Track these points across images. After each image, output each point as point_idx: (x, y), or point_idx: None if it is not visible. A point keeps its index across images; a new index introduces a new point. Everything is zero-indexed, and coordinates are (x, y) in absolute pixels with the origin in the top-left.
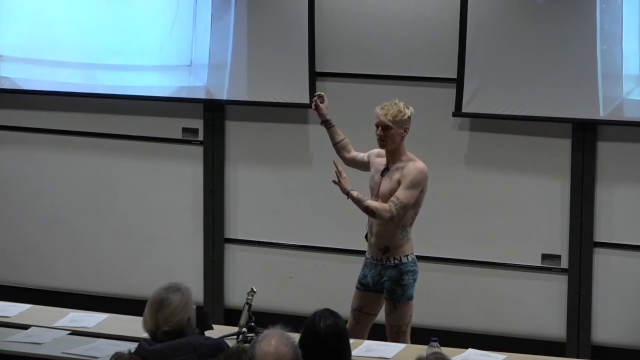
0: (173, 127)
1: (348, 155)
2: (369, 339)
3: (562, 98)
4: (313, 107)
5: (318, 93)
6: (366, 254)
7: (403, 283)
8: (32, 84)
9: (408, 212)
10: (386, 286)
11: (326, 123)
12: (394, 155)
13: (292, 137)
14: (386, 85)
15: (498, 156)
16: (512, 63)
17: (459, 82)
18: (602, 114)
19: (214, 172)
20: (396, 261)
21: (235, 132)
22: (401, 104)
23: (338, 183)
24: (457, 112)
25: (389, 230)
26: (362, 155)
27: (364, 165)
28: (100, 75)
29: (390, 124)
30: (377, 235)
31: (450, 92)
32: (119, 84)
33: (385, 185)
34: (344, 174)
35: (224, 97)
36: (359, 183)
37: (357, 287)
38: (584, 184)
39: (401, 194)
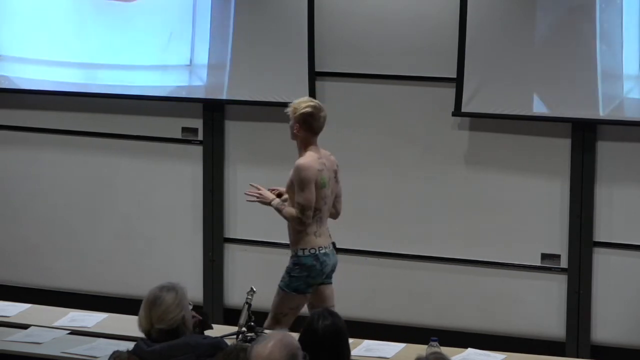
0: (173, 126)
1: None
2: (369, 338)
3: (562, 98)
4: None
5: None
6: None
7: (292, 274)
8: (32, 84)
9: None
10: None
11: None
12: (298, 150)
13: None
14: (386, 85)
15: (498, 156)
16: (512, 63)
17: (458, 82)
18: (602, 113)
19: (213, 172)
20: (294, 253)
21: (235, 132)
22: (305, 103)
23: (258, 198)
24: (457, 111)
25: (291, 225)
26: None
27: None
28: (100, 75)
29: (289, 114)
30: (288, 229)
31: (450, 92)
32: (119, 83)
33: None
34: (259, 188)
35: (224, 97)
36: None
37: None
38: (583, 184)
39: (298, 197)
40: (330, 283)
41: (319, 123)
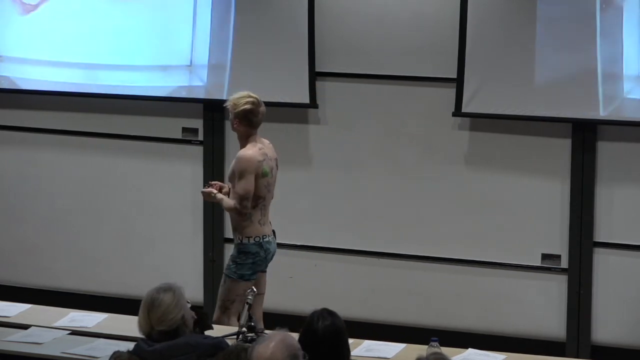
0: (173, 127)
1: None
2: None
3: (562, 98)
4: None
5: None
6: None
7: (238, 261)
8: (32, 84)
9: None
10: (227, 261)
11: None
12: (239, 142)
13: (292, 137)
14: (386, 85)
15: (498, 156)
16: (512, 63)
17: (459, 82)
18: (602, 113)
19: (213, 172)
20: (238, 241)
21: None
22: (244, 100)
23: (206, 197)
24: (457, 112)
25: (231, 214)
26: None
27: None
28: (100, 75)
29: (228, 108)
30: (229, 217)
31: (450, 92)
32: (119, 84)
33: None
34: (205, 191)
35: (224, 97)
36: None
37: None
38: (584, 184)
39: (236, 187)
40: (265, 271)
41: (257, 118)
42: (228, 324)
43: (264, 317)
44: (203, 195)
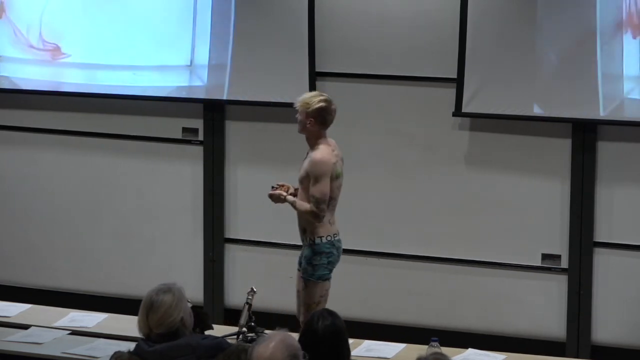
0: (173, 127)
1: None
2: (369, 338)
3: (562, 98)
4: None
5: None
6: None
7: (314, 263)
8: (32, 84)
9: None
10: (302, 264)
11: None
12: (308, 143)
13: (292, 137)
14: (386, 85)
15: (498, 156)
16: (512, 63)
17: (459, 82)
18: (602, 113)
19: (214, 172)
20: (310, 241)
21: (235, 132)
22: (317, 98)
23: (274, 198)
24: (457, 112)
25: (306, 216)
26: None
27: None
28: (100, 75)
29: (298, 109)
30: (298, 218)
31: (450, 92)
32: (119, 84)
33: (300, 172)
34: (274, 192)
35: (224, 97)
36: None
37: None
38: (584, 184)
39: (313, 190)
40: None
41: (331, 116)
42: None
43: (264, 317)
44: (271, 198)
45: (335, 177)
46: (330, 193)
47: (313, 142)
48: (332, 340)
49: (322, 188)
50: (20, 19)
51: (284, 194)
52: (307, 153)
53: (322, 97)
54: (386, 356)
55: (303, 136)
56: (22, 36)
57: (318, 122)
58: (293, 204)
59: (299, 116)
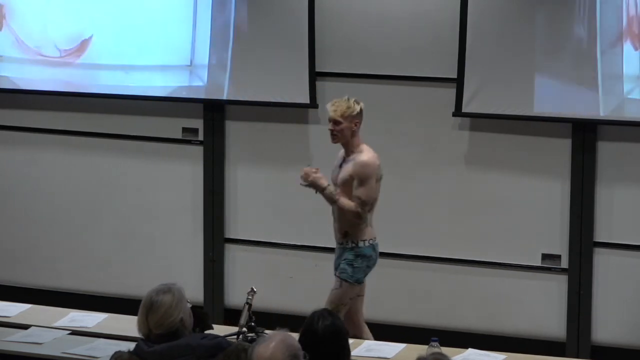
0: (173, 127)
1: None
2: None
3: (562, 98)
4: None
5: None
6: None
7: (355, 265)
8: (32, 84)
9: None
10: (340, 265)
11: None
12: (347, 148)
13: (292, 137)
14: (386, 85)
15: (498, 156)
16: (512, 63)
17: (459, 82)
18: (602, 113)
19: (214, 172)
20: (353, 244)
21: (235, 132)
22: (351, 101)
23: (312, 181)
24: (457, 112)
25: (347, 216)
26: None
27: None
28: (100, 75)
29: (339, 119)
30: (339, 221)
31: (450, 92)
32: (119, 84)
33: (340, 176)
34: (310, 177)
35: (224, 97)
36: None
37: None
38: (584, 184)
39: (359, 192)
40: None
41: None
42: None
43: (264, 317)
44: (307, 180)
45: (378, 179)
46: (374, 195)
47: (355, 145)
48: (332, 341)
49: (368, 191)
50: (21, 27)
51: (325, 182)
52: (344, 157)
53: (354, 99)
54: (386, 356)
55: (302, 136)
56: (24, 44)
57: (360, 124)
58: (332, 197)
59: (336, 126)
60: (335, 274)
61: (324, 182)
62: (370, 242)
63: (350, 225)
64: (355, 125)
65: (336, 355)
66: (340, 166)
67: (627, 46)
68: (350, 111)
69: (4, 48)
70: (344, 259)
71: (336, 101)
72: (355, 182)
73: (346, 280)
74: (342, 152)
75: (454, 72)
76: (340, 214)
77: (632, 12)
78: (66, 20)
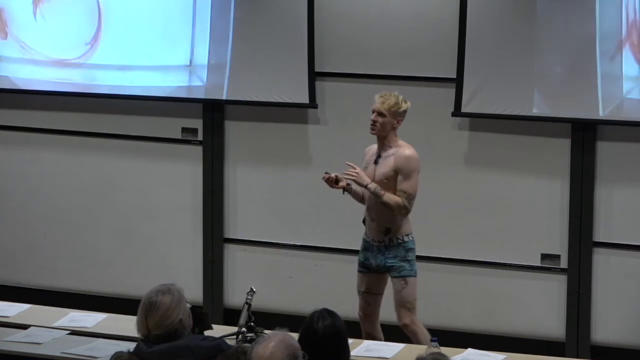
0: (172, 127)
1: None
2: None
3: (561, 98)
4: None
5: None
6: (366, 237)
7: (409, 259)
8: (32, 84)
9: None
10: (394, 265)
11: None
12: (384, 143)
13: (291, 137)
14: (386, 85)
15: (497, 156)
16: (511, 63)
17: (458, 82)
18: (602, 113)
19: (213, 172)
20: (399, 240)
21: (235, 132)
22: (400, 97)
23: (355, 178)
24: (457, 112)
25: (389, 213)
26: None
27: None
28: (100, 75)
29: (385, 112)
30: (379, 219)
31: (450, 92)
32: (119, 84)
33: (380, 171)
34: (355, 167)
35: (224, 97)
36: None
37: (359, 271)
38: (583, 184)
39: (405, 186)
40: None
41: None
42: (417, 320)
43: (263, 318)
44: (354, 177)
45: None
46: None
47: (392, 140)
48: (332, 341)
49: (414, 184)
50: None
51: (368, 180)
52: (378, 153)
53: (402, 97)
54: (385, 356)
55: (301, 136)
56: (30, 49)
57: (402, 122)
58: (377, 192)
59: (379, 117)
60: (394, 276)
61: (366, 178)
62: (413, 235)
63: (393, 221)
64: (398, 122)
65: (336, 355)
66: (376, 162)
67: (627, 46)
68: (397, 107)
69: (6, 51)
70: (395, 257)
71: (385, 94)
72: (399, 176)
73: (409, 276)
74: (370, 148)
75: (453, 72)
76: (381, 210)
77: (632, 12)
78: (66, 21)
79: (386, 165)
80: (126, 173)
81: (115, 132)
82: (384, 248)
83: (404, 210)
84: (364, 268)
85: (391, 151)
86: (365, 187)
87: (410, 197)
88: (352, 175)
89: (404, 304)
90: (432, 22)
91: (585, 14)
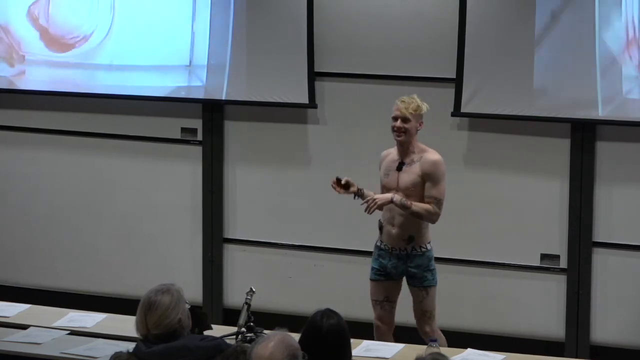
0: (172, 127)
1: None
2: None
3: (561, 98)
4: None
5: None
6: (381, 245)
7: (432, 268)
8: (32, 84)
9: None
10: (416, 274)
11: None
12: (407, 149)
13: (291, 137)
14: (385, 85)
15: (497, 156)
16: (511, 63)
17: (458, 82)
18: (601, 113)
19: (213, 172)
20: (423, 249)
21: (234, 132)
22: (419, 100)
23: (378, 204)
24: (456, 112)
25: (414, 220)
26: (380, 176)
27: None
28: (100, 75)
29: (409, 116)
30: (401, 226)
31: (449, 92)
32: (119, 84)
33: (405, 178)
34: (370, 195)
35: (223, 97)
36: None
37: (375, 279)
38: (583, 184)
39: (434, 192)
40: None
41: None
42: (436, 328)
43: (263, 318)
44: (372, 203)
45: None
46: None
47: (415, 145)
48: (335, 339)
49: (442, 189)
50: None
51: (388, 196)
52: (401, 159)
53: (419, 98)
54: (385, 356)
55: (301, 136)
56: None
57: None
58: (405, 205)
59: (404, 124)
60: (415, 286)
61: (386, 196)
62: (432, 244)
63: (418, 229)
64: (420, 125)
65: (337, 354)
66: (399, 169)
67: (626, 46)
68: (420, 110)
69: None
70: (418, 267)
71: (405, 98)
72: (428, 183)
73: (431, 286)
74: (387, 153)
75: (452, 72)
76: (406, 218)
77: (631, 13)
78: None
79: (412, 172)
80: (125, 173)
81: (115, 132)
82: (406, 256)
83: (435, 216)
84: (381, 276)
85: (415, 157)
86: (391, 202)
87: (440, 202)
88: (373, 207)
89: (424, 312)
90: (432, 22)
91: (585, 13)
